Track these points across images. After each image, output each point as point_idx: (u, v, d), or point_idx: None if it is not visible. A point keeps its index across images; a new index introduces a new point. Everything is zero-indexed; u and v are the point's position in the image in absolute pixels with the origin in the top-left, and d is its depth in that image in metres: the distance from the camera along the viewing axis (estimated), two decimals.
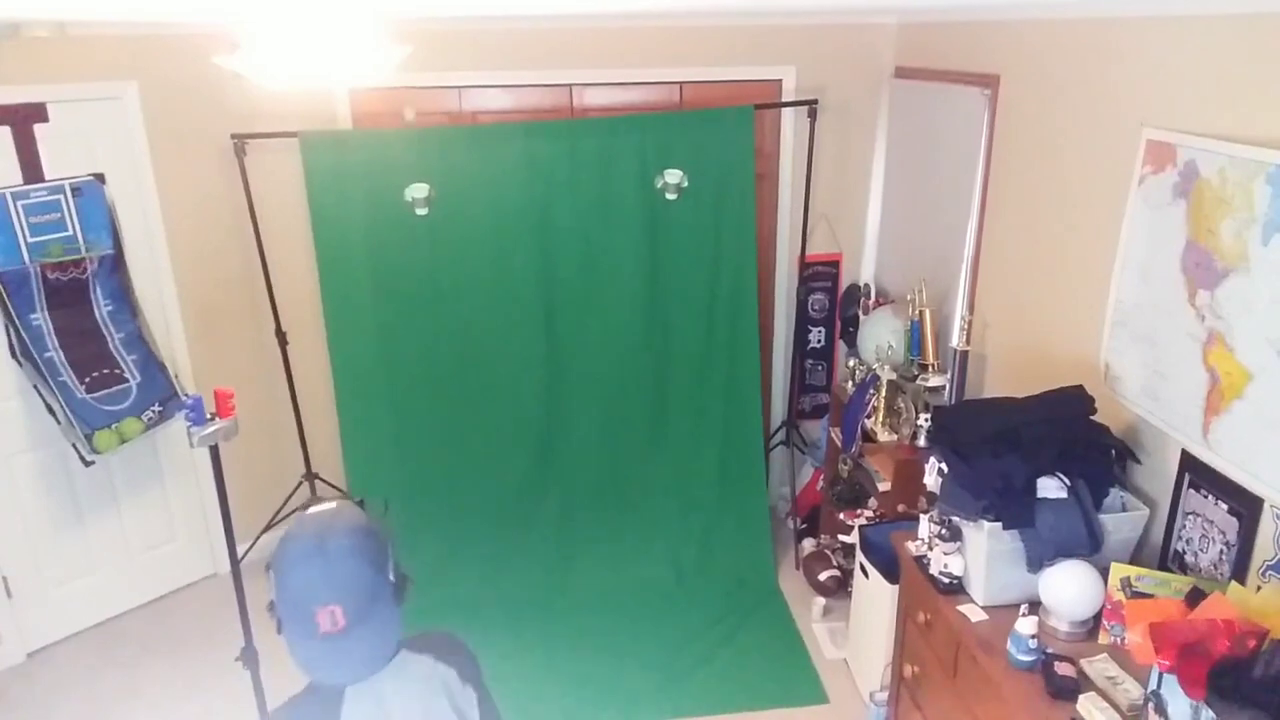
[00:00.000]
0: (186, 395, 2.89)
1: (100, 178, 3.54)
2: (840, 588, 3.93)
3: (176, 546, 4.19)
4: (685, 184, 3.97)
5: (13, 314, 3.36)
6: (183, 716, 3.44)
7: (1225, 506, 2.22)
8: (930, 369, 3.55)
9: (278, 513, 4.22)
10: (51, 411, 3.46)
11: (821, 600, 3.97)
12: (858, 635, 3.53)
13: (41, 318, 3.43)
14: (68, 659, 3.78)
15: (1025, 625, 2.25)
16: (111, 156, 3.64)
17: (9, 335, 3.40)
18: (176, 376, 3.82)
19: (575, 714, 3.43)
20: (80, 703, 3.53)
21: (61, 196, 3.44)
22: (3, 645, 3.68)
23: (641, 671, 3.64)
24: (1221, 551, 2.24)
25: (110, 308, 3.61)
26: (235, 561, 2.64)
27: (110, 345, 3.59)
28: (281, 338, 3.99)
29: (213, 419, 2.43)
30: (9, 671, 3.68)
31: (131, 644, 3.87)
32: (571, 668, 3.69)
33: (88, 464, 3.55)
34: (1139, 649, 1.89)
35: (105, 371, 3.58)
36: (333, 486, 4.24)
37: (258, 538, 4.20)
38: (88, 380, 3.52)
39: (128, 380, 3.63)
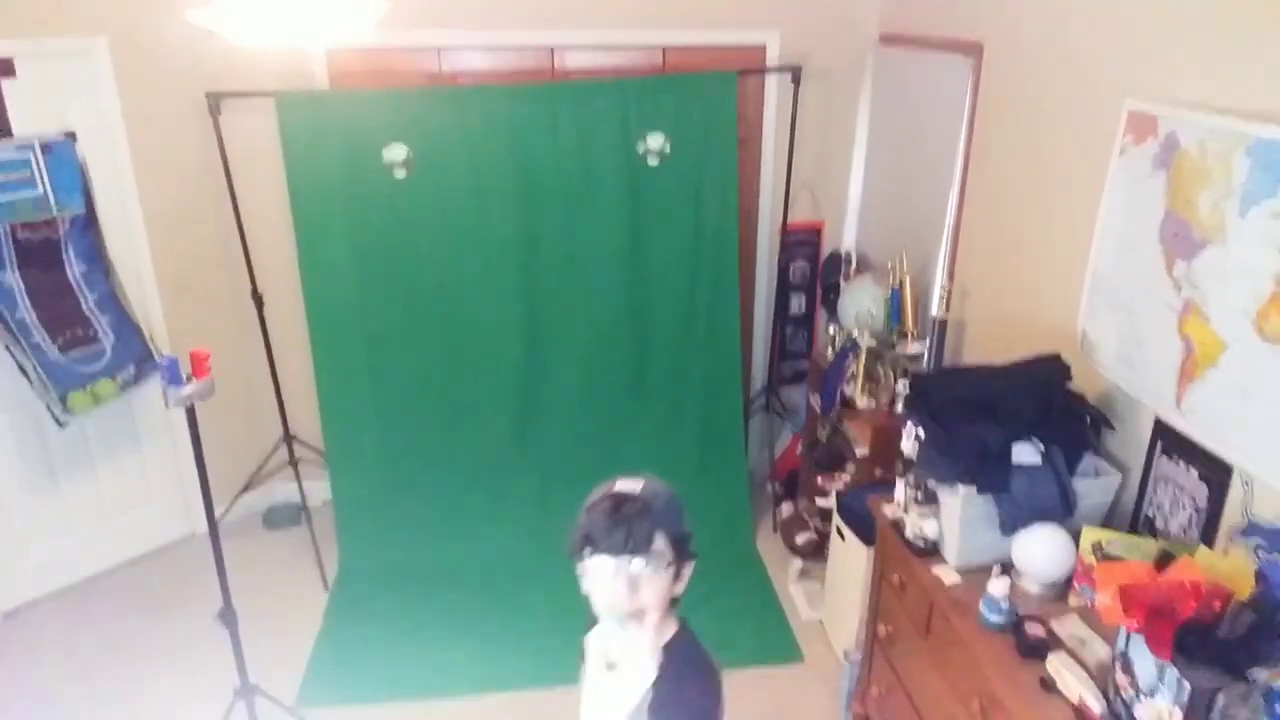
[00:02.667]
0: (162, 356, 2.87)
1: (71, 136, 3.47)
2: (817, 550, 3.98)
3: (153, 507, 4.18)
4: (667, 149, 3.95)
5: None
6: (162, 675, 3.45)
7: (1196, 473, 2.27)
8: (910, 336, 3.57)
9: (255, 474, 4.20)
10: (24, 372, 3.42)
11: (799, 562, 4.02)
12: (833, 596, 3.58)
13: (12, 277, 3.37)
14: (45, 618, 3.77)
15: (997, 587, 2.29)
16: (82, 114, 3.57)
17: None
18: (151, 338, 3.78)
19: (553, 671, 3.47)
20: (58, 662, 3.52)
21: (31, 154, 3.37)
22: None
23: None
24: (1191, 516, 2.29)
25: (83, 268, 3.55)
26: (213, 522, 2.63)
27: (84, 306, 3.55)
28: (258, 299, 3.95)
29: (189, 380, 2.41)
30: None
31: (109, 604, 3.86)
32: (551, 627, 3.72)
33: (61, 425, 3.51)
34: (1108, 610, 1.93)
35: (79, 332, 3.53)
36: (310, 448, 4.23)
37: (235, 499, 4.19)
38: (60, 341, 3.48)
39: (101, 341, 3.59)
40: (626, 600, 1.49)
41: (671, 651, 1.57)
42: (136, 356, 3.70)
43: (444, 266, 3.98)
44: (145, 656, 3.56)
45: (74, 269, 3.53)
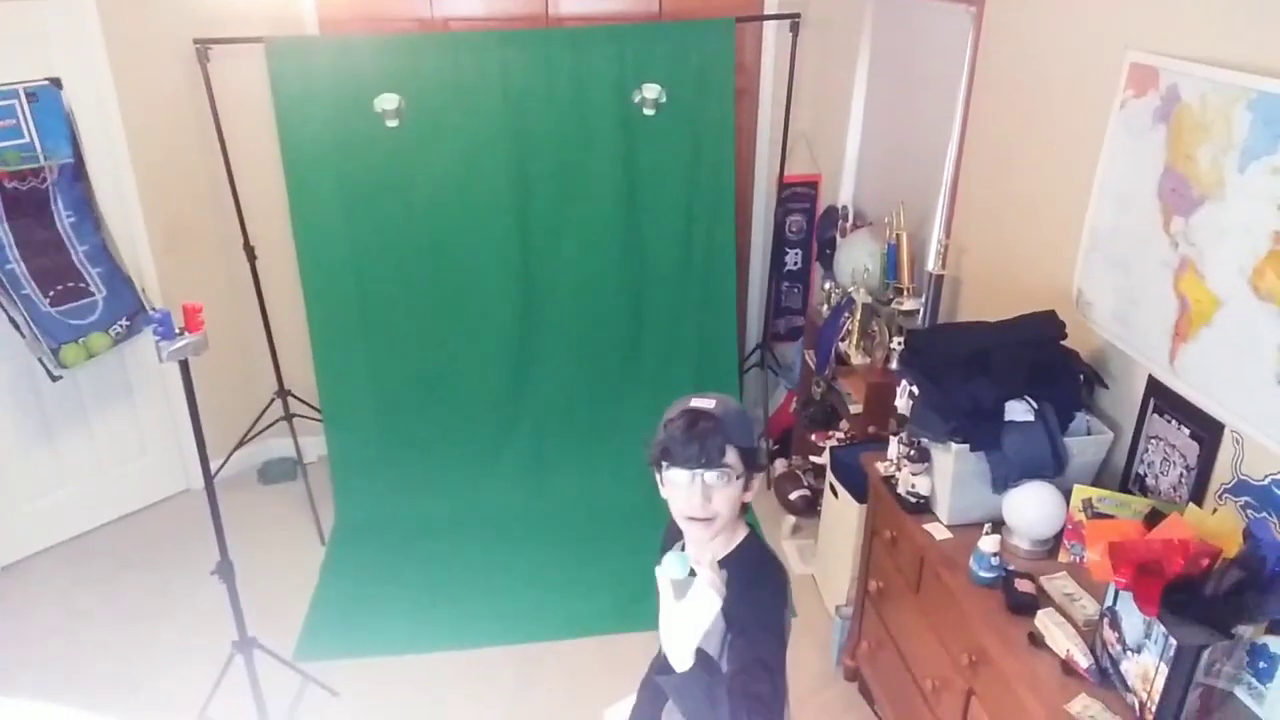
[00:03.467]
0: (154, 309, 2.85)
1: (56, 83, 3.41)
2: (810, 507, 4.01)
3: (148, 462, 4.18)
4: (663, 99, 3.89)
5: None
6: (160, 629, 3.49)
7: (1187, 431, 2.27)
8: (905, 293, 3.55)
9: (250, 429, 4.20)
10: (15, 325, 3.39)
11: (791, 519, 4.05)
12: (825, 552, 3.62)
13: (1, 229, 3.34)
14: (43, 573, 3.80)
15: (988, 544, 2.30)
16: (68, 61, 3.50)
17: None
18: (143, 290, 3.76)
19: (549, 627, 3.51)
20: (57, 615, 3.55)
21: (16, 102, 3.31)
22: None
23: (614, 587, 3.72)
24: (1181, 475, 2.30)
25: (72, 219, 3.51)
26: (209, 477, 2.63)
27: (74, 258, 3.51)
28: (250, 251, 3.92)
29: (181, 334, 2.39)
30: None
31: (106, 558, 3.89)
32: (545, 581, 3.76)
33: (55, 379, 3.50)
34: (1097, 567, 1.95)
35: (69, 285, 3.50)
36: (305, 403, 4.23)
37: (230, 454, 4.20)
38: (52, 294, 3.45)
39: (93, 294, 3.56)
40: (700, 508, 1.60)
41: (740, 555, 1.70)
42: (129, 309, 3.67)
43: (437, 217, 3.95)
44: (143, 610, 3.59)
45: (63, 220, 3.49)
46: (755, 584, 1.65)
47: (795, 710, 3.15)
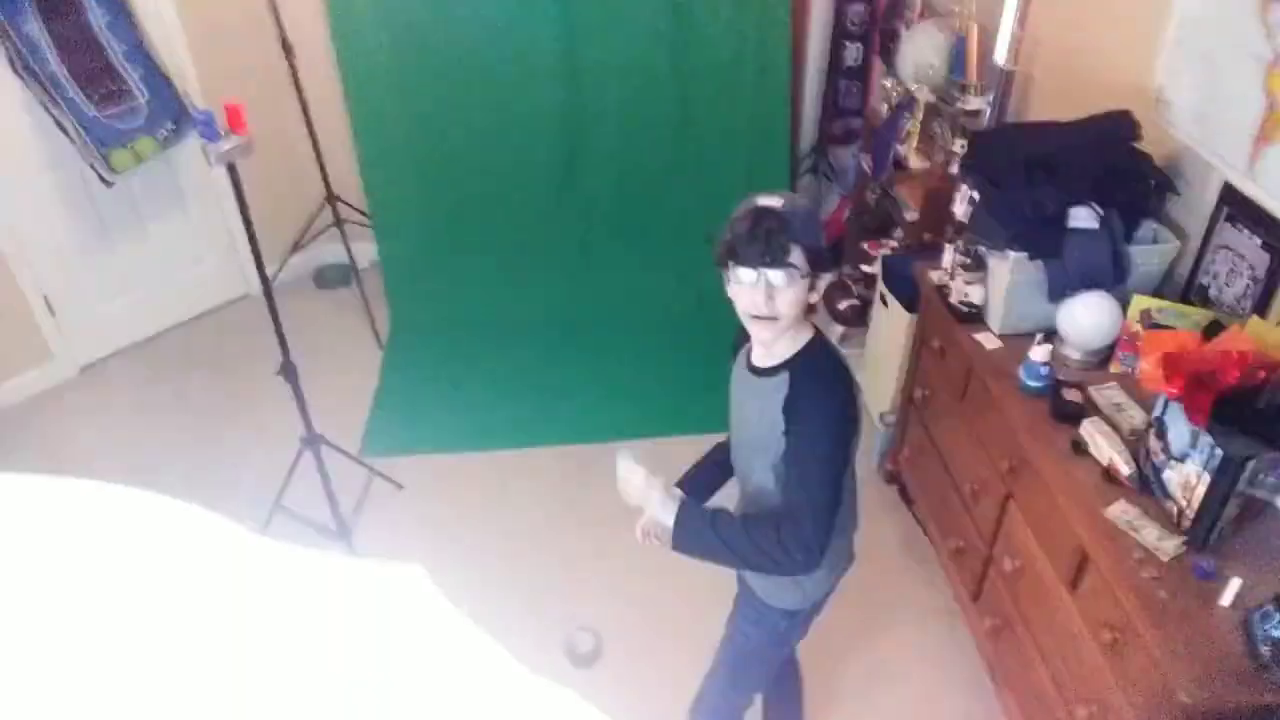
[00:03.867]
0: (197, 110, 2.81)
1: None
2: (859, 317, 3.99)
3: (207, 267, 4.28)
4: None
5: (3, 23, 3.19)
6: (230, 427, 3.69)
7: (1259, 241, 2.17)
8: (972, 91, 3.35)
9: (303, 234, 4.24)
10: (64, 130, 3.39)
11: (840, 328, 4.05)
12: (872, 361, 3.63)
13: (36, 27, 3.27)
14: (117, 373, 3.99)
15: (1039, 353, 2.29)
16: None
17: (6, 48, 3.25)
18: (185, 92, 3.70)
19: (602, 429, 3.63)
20: (134, 412, 3.77)
21: None
22: (55, 361, 3.87)
23: (663, 391, 3.81)
24: (1247, 286, 2.22)
25: (107, 18, 3.42)
26: (265, 280, 2.68)
27: (113, 59, 3.45)
28: (287, 48, 3.80)
29: (227, 135, 2.37)
30: (65, 384, 3.90)
31: (175, 360, 4.06)
32: (597, 388, 3.86)
33: (108, 184, 3.53)
34: (1149, 376, 1.93)
35: (112, 88, 3.46)
36: (354, 209, 4.23)
37: (286, 259, 4.27)
38: (96, 97, 3.42)
39: (137, 97, 3.52)
40: (764, 306, 1.59)
41: (805, 355, 1.69)
42: (173, 112, 3.64)
43: (481, 24, 3.77)
44: (214, 409, 3.78)
45: (97, 18, 3.40)
46: (817, 390, 1.65)
47: None
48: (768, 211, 1.57)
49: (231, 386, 3.89)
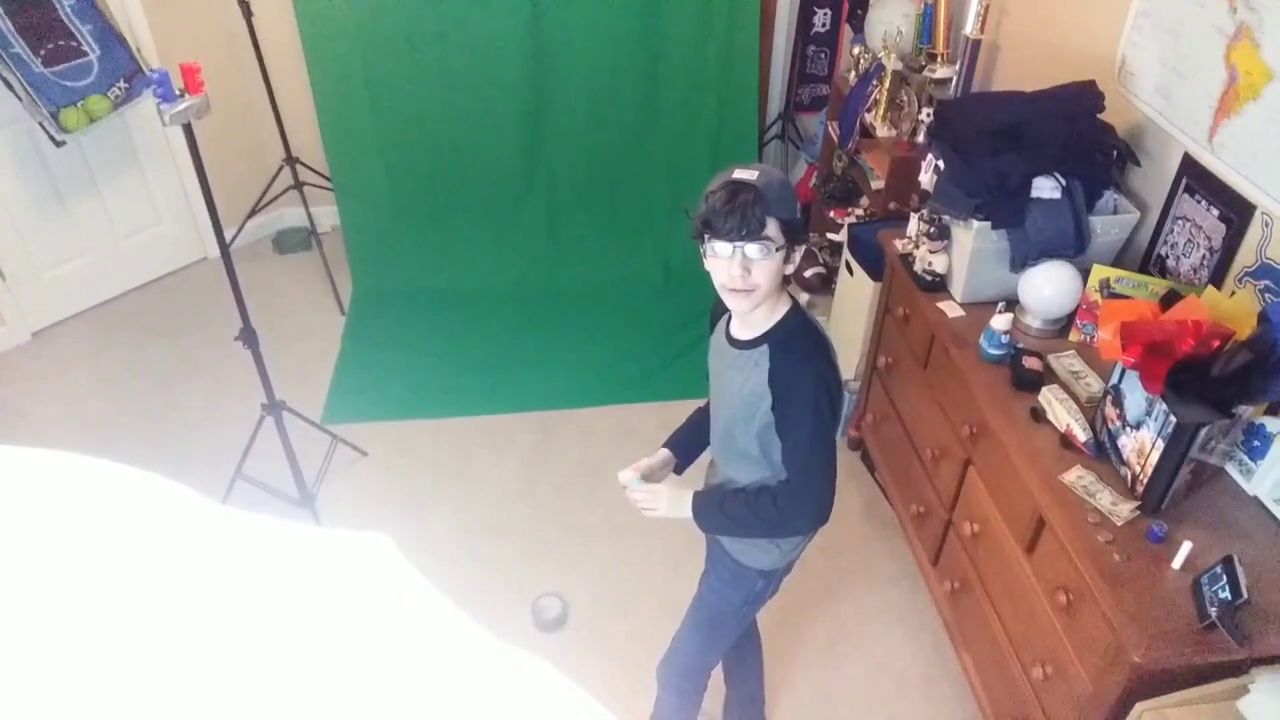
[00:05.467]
0: (151, 70, 2.73)
1: None
2: (824, 285, 4.01)
3: (163, 230, 4.18)
4: None
5: None
6: (190, 393, 3.63)
7: (1216, 213, 2.21)
8: (939, 59, 3.36)
9: (261, 198, 4.16)
10: (10, 88, 3.28)
11: (805, 296, 4.07)
12: (837, 329, 3.65)
13: None
14: (72, 338, 3.90)
15: (1000, 321, 2.32)
16: None
17: None
18: (139, 50, 3.59)
19: (565, 396, 3.63)
20: (90, 379, 3.69)
21: None
22: (6, 326, 3.78)
23: (629, 359, 3.81)
24: (1204, 257, 2.26)
25: None
26: (223, 243, 2.63)
27: (60, 13, 3.33)
28: (244, 7, 3.70)
29: (182, 95, 2.31)
30: (16, 350, 3.81)
31: (132, 325, 3.98)
32: (562, 355, 3.85)
33: (58, 144, 3.42)
34: (1106, 345, 1.96)
35: (60, 44, 3.34)
36: (314, 171, 4.16)
37: (244, 223, 4.19)
38: (43, 53, 3.30)
39: (87, 54, 3.41)
40: (740, 279, 1.59)
41: (783, 329, 1.71)
42: (125, 70, 3.53)
43: None
44: (172, 374, 3.71)
45: None
46: (798, 361, 1.68)
47: None
48: (743, 185, 1.57)
49: (189, 352, 3.82)
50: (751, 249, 1.57)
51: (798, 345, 1.70)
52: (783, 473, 1.76)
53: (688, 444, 2.07)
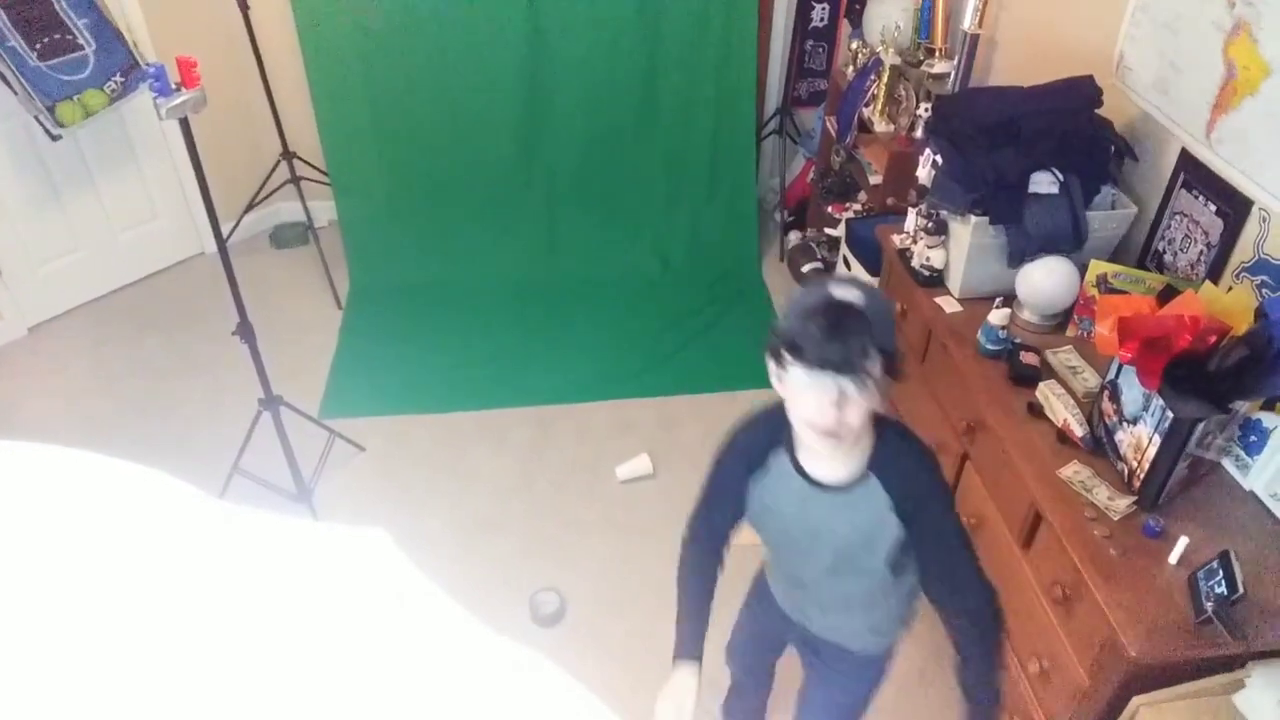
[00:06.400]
0: (148, 64, 2.73)
1: None
2: None
3: (159, 225, 4.17)
4: None
5: None
6: (186, 388, 3.62)
7: (1214, 208, 2.21)
8: (937, 54, 3.36)
9: (258, 192, 4.15)
10: (5, 81, 3.27)
11: None
12: None
13: None
14: (68, 333, 3.89)
15: (997, 317, 2.32)
16: None
17: None
18: (135, 45, 3.58)
19: (563, 391, 3.63)
20: (85, 374, 3.68)
21: None
22: (2, 321, 3.76)
23: (626, 354, 3.81)
24: (1201, 252, 2.26)
25: None
26: (220, 239, 2.62)
27: (56, 7, 3.32)
28: (242, 3, 3.69)
29: (179, 89, 2.30)
30: (13, 345, 3.80)
31: (128, 320, 3.97)
32: (559, 350, 3.85)
33: (54, 138, 3.41)
34: (1103, 340, 1.97)
35: (57, 37, 3.33)
36: (311, 165, 4.14)
37: (240, 217, 4.18)
38: (39, 47, 3.29)
39: (83, 47, 3.40)
40: (832, 419, 1.38)
41: (883, 450, 1.51)
42: (122, 65, 3.52)
43: None
44: (168, 370, 3.71)
45: None
46: (921, 484, 1.51)
47: None
48: (848, 309, 1.35)
49: (186, 347, 3.82)
50: (850, 385, 1.35)
51: (909, 465, 1.52)
52: (906, 570, 1.61)
53: (700, 634, 1.77)
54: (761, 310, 4.07)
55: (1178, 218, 2.35)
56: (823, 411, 1.38)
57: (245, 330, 2.76)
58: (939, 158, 2.53)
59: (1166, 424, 1.82)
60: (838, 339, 1.33)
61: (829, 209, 3.84)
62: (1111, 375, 2.01)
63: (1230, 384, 1.80)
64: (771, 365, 1.44)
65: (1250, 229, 2.11)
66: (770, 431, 1.58)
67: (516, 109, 4.01)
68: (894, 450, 1.51)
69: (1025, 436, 2.13)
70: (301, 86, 3.93)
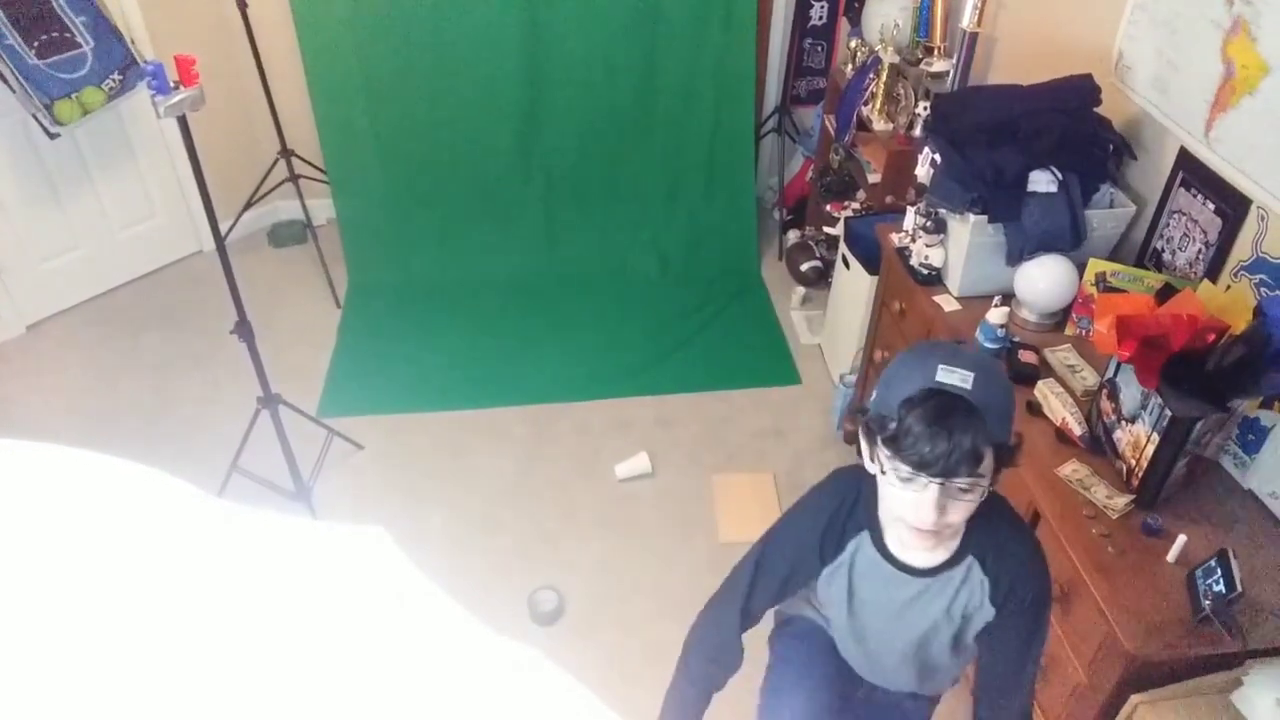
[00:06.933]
0: (146, 62, 2.72)
1: None
2: (821, 278, 4.01)
3: (158, 223, 4.17)
4: None
5: None
6: (185, 386, 3.61)
7: (1212, 206, 2.21)
8: (936, 53, 3.36)
9: (256, 191, 4.15)
10: (3, 79, 3.26)
11: (802, 290, 4.07)
12: (834, 323, 3.66)
13: None
14: (67, 331, 3.89)
15: (996, 315, 2.32)
16: None
17: None
18: (133, 42, 3.58)
19: (561, 389, 3.63)
20: (83, 372, 3.67)
21: None
22: (0, 319, 3.76)
23: (624, 352, 3.81)
24: (1200, 251, 2.26)
25: None
26: (219, 237, 2.62)
27: (54, 4, 3.32)
28: (240, 1, 3.68)
29: (177, 87, 2.30)
30: (10, 343, 3.79)
31: (127, 318, 3.97)
32: (557, 348, 3.85)
33: (52, 136, 3.41)
34: (1102, 339, 1.97)
35: (54, 35, 3.33)
36: (309, 164, 4.14)
37: (239, 215, 4.17)
38: (37, 44, 3.29)
39: (81, 45, 3.39)
40: (931, 520, 1.21)
41: (989, 526, 1.36)
42: (120, 63, 3.51)
43: None
44: (168, 368, 3.70)
45: None
46: (1029, 576, 1.37)
47: (798, 469, 3.32)
48: (958, 404, 1.15)
49: (185, 346, 3.81)
50: (956, 488, 1.19)
51: (1017, 554, 1.36)
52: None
53: None
54: (760, 308, 4.07)
55: (1176, 216, 2.35)
56: (921, 515, 1.21)
57: (244, 328, 2.76)
58: (938, 156, 2.53)
59: (1165, 422, 1.82)
60: (943, 439, 1.14)
61: (828, 207, 3.83)
62: (1110, 374, 2.01)
63: (1228, 382, 1.80)
64: (863, 443, 1.27)
65: (1249, 227, 2.11)
66: (849, 513, 1.40)
67: (515, 108, 4.01)
68: (1001, 536, 1.35)
69: (1024, 435, 2.12)
70: (300, 85, 3.92)
